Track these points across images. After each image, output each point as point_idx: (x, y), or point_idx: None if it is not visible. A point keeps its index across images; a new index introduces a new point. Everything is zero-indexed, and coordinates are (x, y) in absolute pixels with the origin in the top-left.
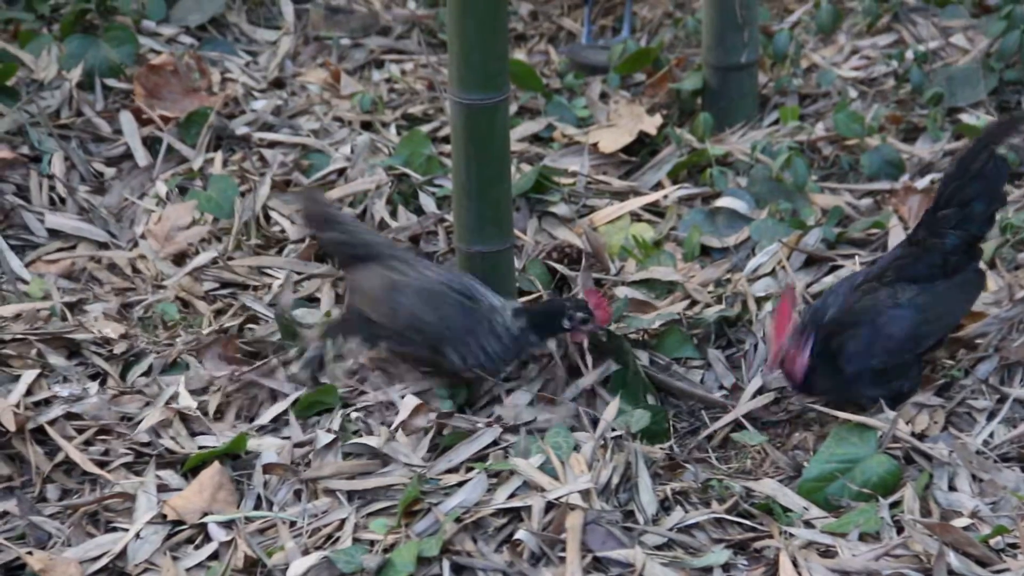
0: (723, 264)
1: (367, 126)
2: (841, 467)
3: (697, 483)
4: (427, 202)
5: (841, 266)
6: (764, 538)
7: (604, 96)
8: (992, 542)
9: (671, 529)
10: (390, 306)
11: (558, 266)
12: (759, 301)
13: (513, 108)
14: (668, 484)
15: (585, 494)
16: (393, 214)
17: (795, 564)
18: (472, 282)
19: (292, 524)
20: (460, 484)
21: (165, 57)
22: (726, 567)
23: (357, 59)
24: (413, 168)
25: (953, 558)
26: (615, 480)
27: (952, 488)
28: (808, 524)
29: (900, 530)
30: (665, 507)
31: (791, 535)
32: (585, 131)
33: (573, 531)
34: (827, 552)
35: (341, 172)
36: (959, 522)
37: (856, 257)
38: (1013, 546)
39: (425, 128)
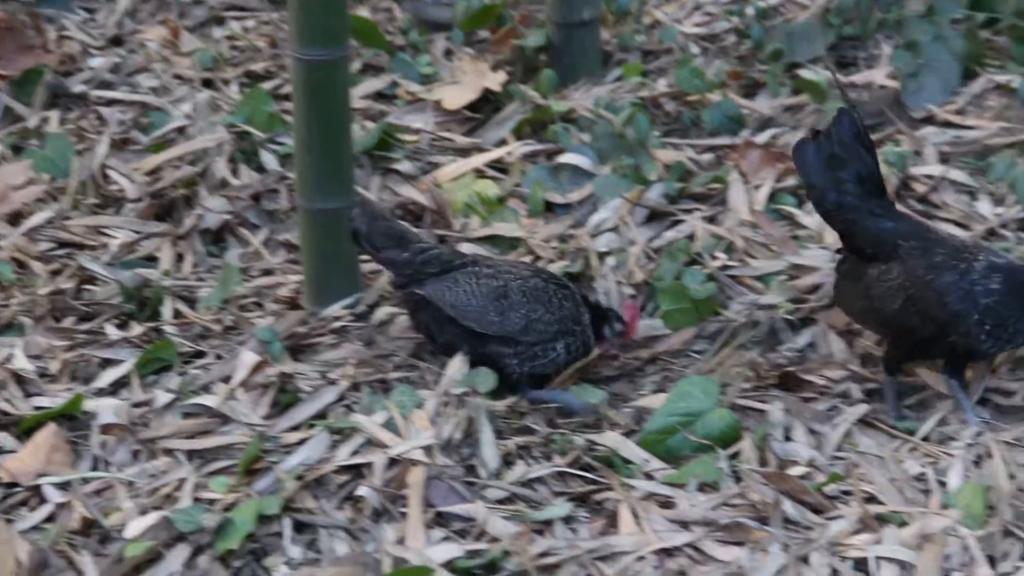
0: (566, 220)
1: (208, 84)
2: (683, 420)
3: (540, 437)
4: (269, 160)
5: (683, 220)
6: (605, 490)
7: (448, 53)
8: (827, 490)
9: (513, 483)
10: (500, 313)
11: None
12: (601, 256)
13: (356, 65)
14: (510, 439)
15: (427, 450)
16: (235, 172)
17: (635, 515)
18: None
19: (130, 484)
20: (302, 442)
21: (0, 14)
22: (567, 520)
23: (198, 16)
24: (255, 126)
25: (789, 506)
26: (457, 435)
27: (789, 439)
28: (649, 476)
29: (739, 480)
30: (507, 462)
31: (632, 487)
32: (429, 88)
33: (415, 487)
34: (667, 503)
35: (181, 130)
36: (795, 471)
37: (696, 212)
38: (847, 493)
39: (267, 85)
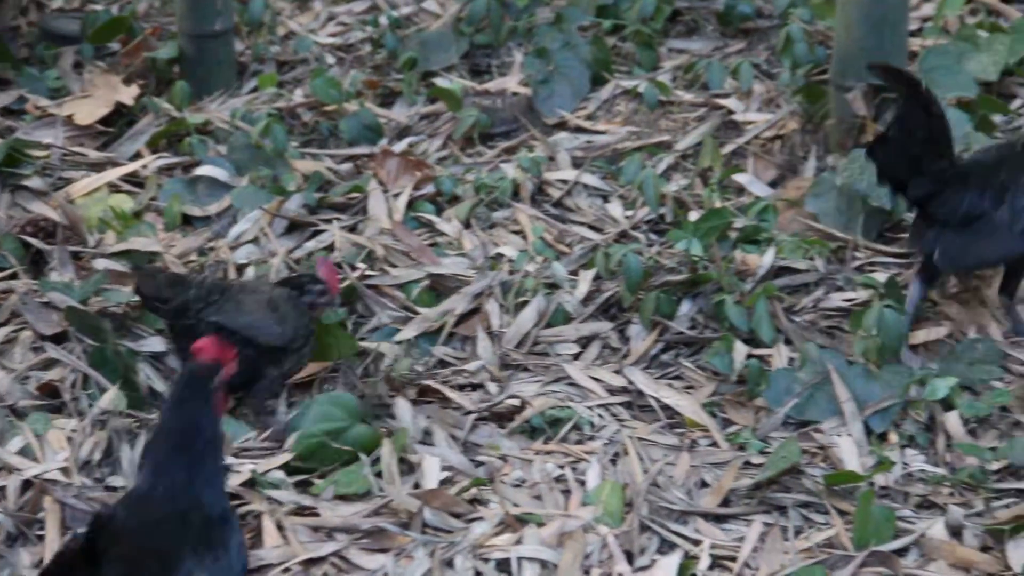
0: (205, 232)
1: None
2: (326, 437)
3: None
4: None
5: (324, 231)
6: (249, 505)
7: (78, 66)
8: (468, 494)
9: None
10: (280, 323)
11: (33, 240)
12: (241, 268)
13: None
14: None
15: (64, 471)
16: None
17: (280, 528)
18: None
19: None
20: None
21: None
22: None
23: None
24: None
25: (428, 513)
26: (97, 455)
27: (430, 443)
28: (293, 489)
29: (381, 489)
30: None
31: (277, 502)
32: (59, 103)
33: (52, 509)
34: (312, 513)
35: None
36: (436, 476)
37: (336, 221)
38: (489, 500)
39: None
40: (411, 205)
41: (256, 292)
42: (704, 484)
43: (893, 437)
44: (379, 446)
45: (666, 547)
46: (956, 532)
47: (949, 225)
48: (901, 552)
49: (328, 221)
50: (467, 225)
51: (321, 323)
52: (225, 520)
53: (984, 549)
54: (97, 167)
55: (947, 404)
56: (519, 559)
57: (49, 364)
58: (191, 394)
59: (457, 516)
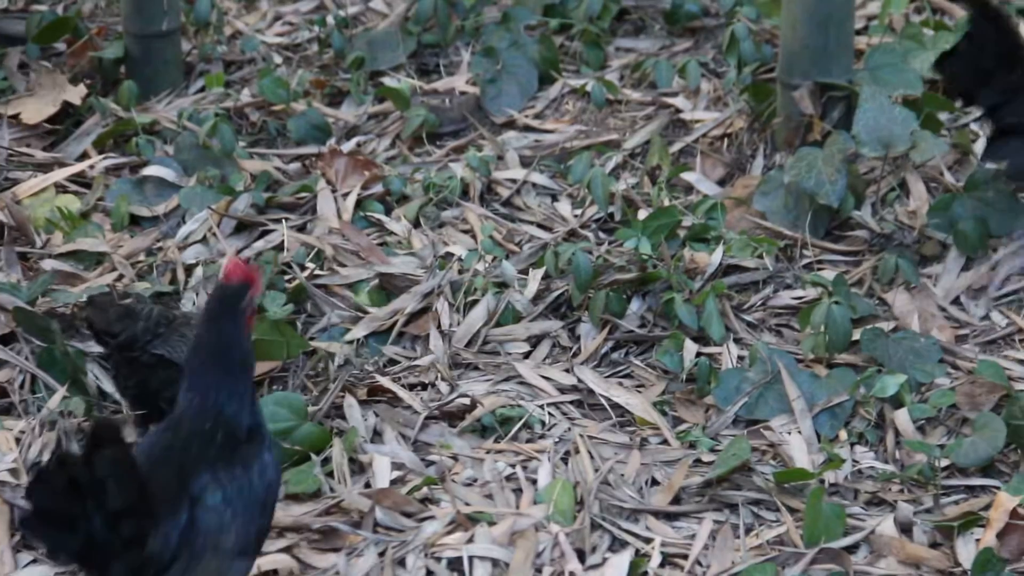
0: (153, 233)
1: None
2: (275, 438)
3: None
4: None
5: (272, 230)
6: None
7: (24, 66)
8: (419, 493)
9: None
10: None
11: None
12: (189, 268)
13: None
14: None
15: (13, 472)
16: None
17: None
18: None
19: None
20: None
21: None
22: None
23: None
24: None
25: (379, 512)
26: (46, 456)
27: (381, 443)
28: None
29: (332, 490)
30: None
31: None
32: (5, 102)
33: (1, 511)
34: None
35: None
36: (388, 475)
37: (285, 221)
38: (440, 499)
39: None
40: (360, 204)
41: None
42: (655, 482)
43: (843, 434)
44: (328, 445)
45: (617, 545)
46: (905, 529)
47: (1018, 133)
48: (851, 549)
49: (277, 221)
50: (416, 224)
51: (275, 325)
52: (253, 438)
53: (933, 545)
54: (44, 167)
55: (896, 401)
56: (471, 558)
57: None
58: (223, 312)
59: (408, 515)
